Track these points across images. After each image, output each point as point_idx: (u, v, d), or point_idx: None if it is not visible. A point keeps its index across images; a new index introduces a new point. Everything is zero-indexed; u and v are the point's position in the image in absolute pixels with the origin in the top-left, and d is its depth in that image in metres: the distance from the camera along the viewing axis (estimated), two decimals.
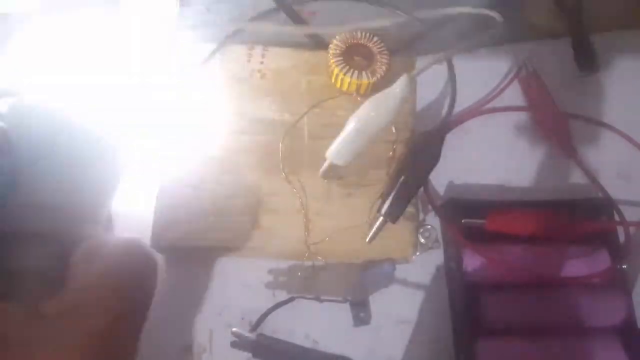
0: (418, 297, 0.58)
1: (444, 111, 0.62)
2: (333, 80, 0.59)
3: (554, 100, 0.63)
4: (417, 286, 0.58)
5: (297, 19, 0.66)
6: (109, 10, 0.59)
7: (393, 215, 0.52)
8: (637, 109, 0.65)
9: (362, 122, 0.52)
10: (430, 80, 0.61)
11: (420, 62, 0.59)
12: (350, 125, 0.52)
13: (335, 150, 0.53)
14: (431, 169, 0.55)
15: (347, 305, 0.55)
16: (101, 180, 0.48)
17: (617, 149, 0.63)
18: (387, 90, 0.52)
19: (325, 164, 0.54)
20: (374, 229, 0.52)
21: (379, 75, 0.56)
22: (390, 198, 0.52)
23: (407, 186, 0.53)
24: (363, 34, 0.57)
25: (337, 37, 0.58)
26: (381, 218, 0.52)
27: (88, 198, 0.46)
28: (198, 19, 0.65)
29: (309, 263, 0.57)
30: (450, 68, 0.59)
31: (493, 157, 0.62)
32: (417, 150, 0.55)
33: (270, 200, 0.55)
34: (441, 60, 0.60)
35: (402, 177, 0.53)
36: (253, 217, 0.54)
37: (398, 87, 0.52)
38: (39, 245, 0.42)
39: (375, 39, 0.57)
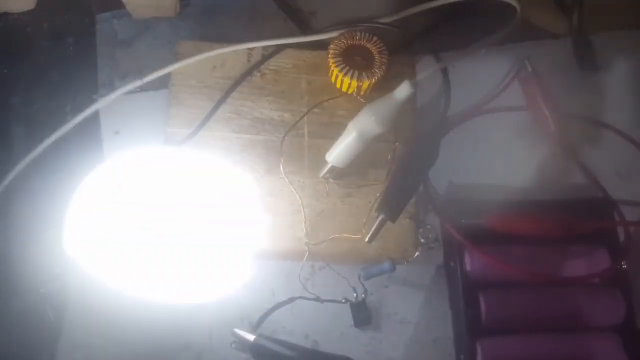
0: (418, 297, 0.58)
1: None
2: (333, 81, 0.59)
3: (554, 100, 0.63)
4: (417, 286, 0.58)
5: (297, 19, 0.66)
6: None
7: (392, 214, 0.51)
8: (637, 109, 0.65)
9: (363, 128, 0.52)
10: (431, 79, 0.61)
11: (421, 64, 0.59)
12: (351, 131, 0.53)
13: (336, 155, 0.53)
14: (429, 167, 0.55)
15: (347, 306, 0.55)
16: None
17: (617, 149, 0.63)
18: (387, 96, 0.52)
19: (326, 168, 0.55)
20: (373, 229, 0.52)
21: (378, 76, 0.56)
22: (389, 197, 0.52)
23: (406, 185, 0.53)
24: (363, 34, 0.57)
25: (336, 37, 0.58)
26: (380, 217, 0.52)
27: None
28: (198, 19, 0.65)
29: (309, 263, 0.57)
30: (445, 71, 0.59)
31: (493, 157, 0.62)
32: (416, 149, 0.55)
33: (270, 200, 0.55)
34: (443, 64, 0.60)
35: (401, 176, 0.53)
36: None
37: (399, 93, 0.52)
38: None
39: (374, 39, 0.57)
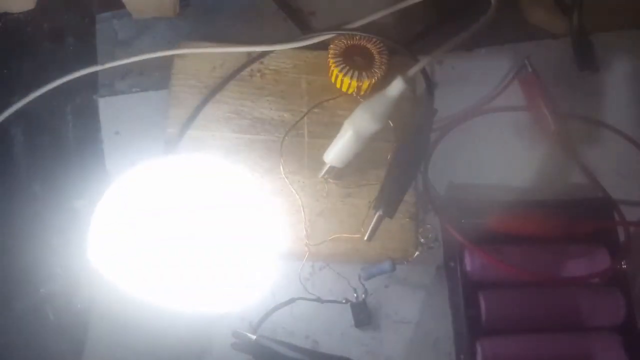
0: (418, 297, 0.58)
1: (445, 109, 0.61)
2: (333, 81, 0.59)
3: (554, 100, 0.63)
4: (417, 286, 0.58)
5: (296, 18, 0.66)
6: None
7: (389, 210, 0.51)
8: (637, 109, 0.65)
9: (358, 126, 0.52)
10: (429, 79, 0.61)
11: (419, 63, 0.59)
12: (347, 130, 0.52)
13: (333, 154, 0.53)
14: (420, 160, 0.54)
15: (347, 306, 0.55)
16: None
17: (617, 149, 0.63)
18: (381, 93, 0.52)
19: (324, 168, 0.55)
20: (371, 226, 0.52)
21: (378, 76, 0.56)
22: (385, 193, 0.52)
23: (400, 180, 0.53)
24: (363, 34, 0.57)
25: (336, 37, 0.58)
26: (377, 214, 0.51)
27: None
28: (198, 19, 0.65)
29: (309, 263, 0.57)
30: (424, 71, 0.59)
31: (493, 157, 0.62)
32: (406, 143, 0.54)
33: (271, 200, 0.55)
34: (436, 59, 0.60)
35: (394, 172, 0.53)
36: None
37: (391, 89, 0.52)
38: None
39: (374, 39, 0.57)
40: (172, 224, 0.49)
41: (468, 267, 0.56)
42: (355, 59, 0.58)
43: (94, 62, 0.63)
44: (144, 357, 0.55)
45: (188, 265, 0.49)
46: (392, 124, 0.56)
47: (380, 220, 0.51)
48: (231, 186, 0.52)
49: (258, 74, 0.59)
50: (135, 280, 0.49)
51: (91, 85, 0.62)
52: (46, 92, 0.62)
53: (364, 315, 0.56)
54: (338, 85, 0.59)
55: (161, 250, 0.49)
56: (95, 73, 0.62)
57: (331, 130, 0.55)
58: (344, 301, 0.55)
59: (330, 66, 0.57)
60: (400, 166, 0.53)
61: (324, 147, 0.54)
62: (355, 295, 0.55)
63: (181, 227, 0.49)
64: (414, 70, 0.52)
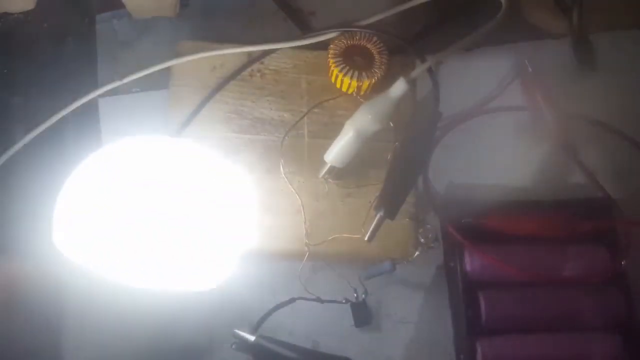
0: (418, 297, 0.58)
1: (445, 109, 0.61)
2: (333, 81, 0.59)
3: (554, 100, 0.63)
4: (417, 286, 0.58)
5: (296, 18, 0.66)
6: None
7: (390, 212, 0.51)
8: (637, 109, 0.65)
9: (360, 127, 0.52)
10: (426, 79, 0.61)
11: (419, 63, 0.59)
12: (348, 131, 0.53)
13: (334, 154, 0.53)
14: (422, 162, 0.54)
15: (347, 306, 0.55)
16: None
17: (616, 149, 0.63)
18: (383, 94, 0.52)
19: (325, 168, 0.55)
20: (372, 227, 0.52)
21: (378, 76, 0.56)
22: (387, 194, 0.52)
23: (403, 182, 0.53)
24: (362, 34, 0.57)
25: (336, 37, 0.58)
26: (378, 215, 0.51)
27: None
28: (198, 19, 0.65)
29: (309, 263, 0.57)
30: (430, 71, 0.59)
31: (493, 157, 0.62)
32: (408, 145, 0.54)
33: (270, 200, 0.55)
34: (439, 60, 0.60)
35: (397, 173, 0.53)
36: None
37: (394, 90, 0.52)
38: None
39: (374, 39, 0.57)
40: (141, 203, 0.47)
41: (468, 267, 0.56)
42: (355, 59, 0.58)
43: (94, 62, 0.63)
44: (143, 356, 0.55)
45: (155, 243, 0.47)
46: (392, 124, 0.56)
47: (381, 222, 0.51)
48: (215, 180, 0.51)
49: (258, 74, 0.59)
50: (104, 261, 0.48)
51: (91, 85, 0.62)
52: (46, 92, 0.62)
53: (364, 315, 0.56)
54: (338, 85, 0.59)
55: (128, 229, 0.47)
56: (95, 73, 0.63)
57: (331, 130, 0.55)
58: (344, 301, 0.55)
59: (330, 66, 0.57)
60: (402, 168, 0.53)
61: (324, 147, 0.54)
62: (355, 295, 0.55)
63: (150, 205, 0.47)
64: (418, 71, 0.53)
